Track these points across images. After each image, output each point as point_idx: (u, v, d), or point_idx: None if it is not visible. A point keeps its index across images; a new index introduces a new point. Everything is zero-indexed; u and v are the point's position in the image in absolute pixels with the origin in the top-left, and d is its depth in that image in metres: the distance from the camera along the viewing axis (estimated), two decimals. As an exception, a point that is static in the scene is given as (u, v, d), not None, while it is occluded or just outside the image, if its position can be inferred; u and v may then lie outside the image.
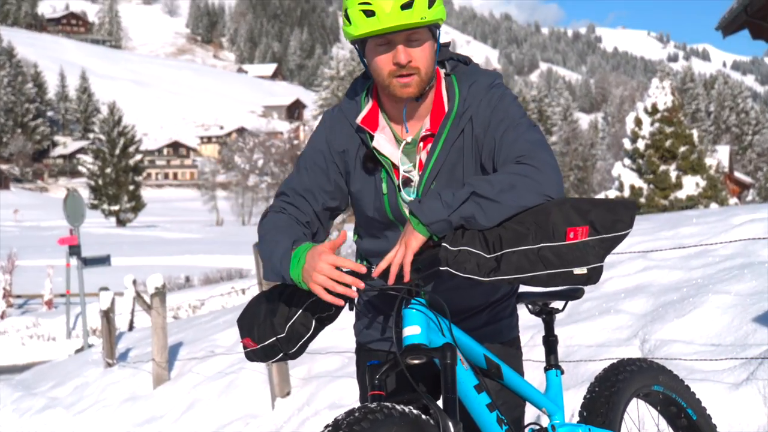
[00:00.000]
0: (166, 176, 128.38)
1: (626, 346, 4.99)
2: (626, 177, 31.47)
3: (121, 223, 73.28)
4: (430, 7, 2.27)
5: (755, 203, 40.25)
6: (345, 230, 2.32)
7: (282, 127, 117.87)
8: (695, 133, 31.79)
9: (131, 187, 74.75)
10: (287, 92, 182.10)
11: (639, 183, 31.03)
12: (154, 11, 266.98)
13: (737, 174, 55.88)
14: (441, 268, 2.14)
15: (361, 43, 2.37)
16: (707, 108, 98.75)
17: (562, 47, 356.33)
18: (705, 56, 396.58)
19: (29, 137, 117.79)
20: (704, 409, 2.96)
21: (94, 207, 71.77)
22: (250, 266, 27.40)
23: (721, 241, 6.83)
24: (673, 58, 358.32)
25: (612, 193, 31.66)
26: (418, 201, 2.20)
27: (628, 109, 74.15)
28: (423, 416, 2.08)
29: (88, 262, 16.78)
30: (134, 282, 13.50)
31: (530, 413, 3.18)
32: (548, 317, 2.80)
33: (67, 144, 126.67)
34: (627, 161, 32.02)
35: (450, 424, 2.08)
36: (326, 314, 2.37)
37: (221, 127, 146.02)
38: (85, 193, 68.10)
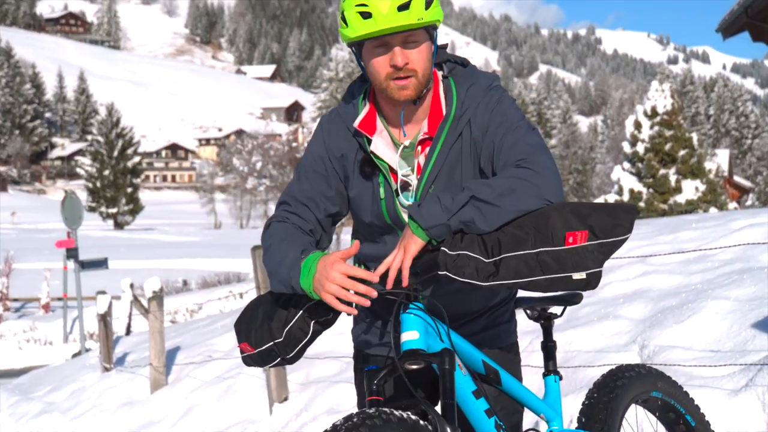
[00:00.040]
0: (164, 178, 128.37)
1: (625, 352, 4.98)
2: (625, 181, 31.44)
3: (118, 225, 73.13)
4: (427, 8, 2.25)
5: (755, 208, 40.32)
6: (358, 241, 2.30)
7: (280, 129, 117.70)
8: (695, 136, 31.75)
9: (129, 190, 74.53)
10: (286, 94, 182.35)
11: (638, 187, 31.00)
12: (152, 11, 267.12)
13: (737, 178, 55.82)
14: (440, 273, 2.13)
15: (358, 46, 2.34)
16: (707, 111, 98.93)
17: (562, 49, 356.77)
18: (705, 58, 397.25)
19: (27, 139, 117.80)
20: (703, 415, 2.95)
21: (91, 209, 71.65)
22: (248, 270, 27.41)
23: (721, 245, 6.82)
24: (673, 60, 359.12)
25: (611, 197, 31.64)
26: (417, 205, 2.19)
27: (628, 112, 74.26)
28: (421, 422, 2.07)
29: (85, 266, 16.75)
30: (131, 285, 13.47)
31: (528, 419, 3.16)
32: (547, 322, 2.79)
33: (65, 146, 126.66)
34: (626, 165, 31.98)
35: (448, 429, 2.06)
36: (324, 319, 2.35)
37: (220, 129, 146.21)
38: (82, 196, 68.05)
